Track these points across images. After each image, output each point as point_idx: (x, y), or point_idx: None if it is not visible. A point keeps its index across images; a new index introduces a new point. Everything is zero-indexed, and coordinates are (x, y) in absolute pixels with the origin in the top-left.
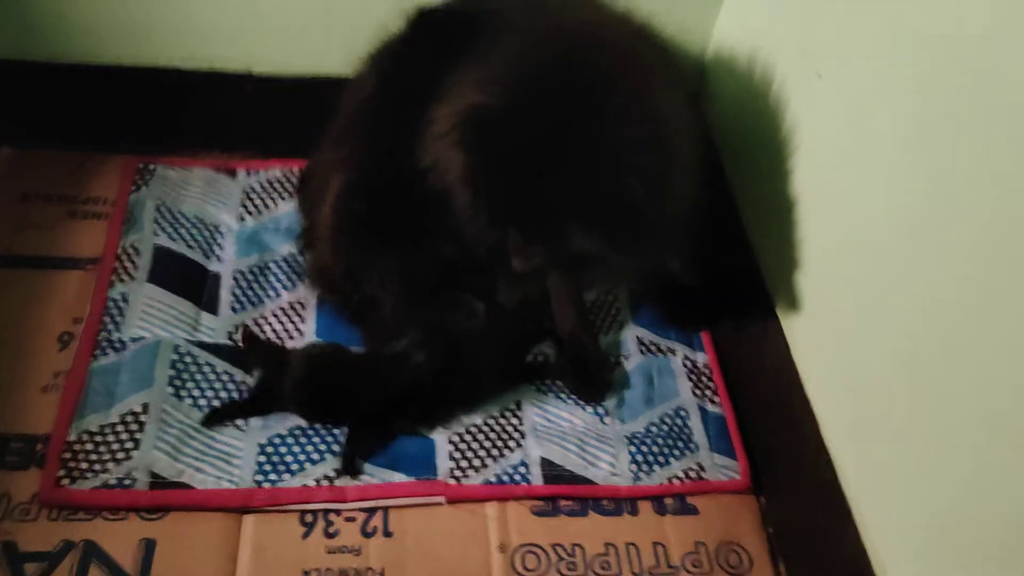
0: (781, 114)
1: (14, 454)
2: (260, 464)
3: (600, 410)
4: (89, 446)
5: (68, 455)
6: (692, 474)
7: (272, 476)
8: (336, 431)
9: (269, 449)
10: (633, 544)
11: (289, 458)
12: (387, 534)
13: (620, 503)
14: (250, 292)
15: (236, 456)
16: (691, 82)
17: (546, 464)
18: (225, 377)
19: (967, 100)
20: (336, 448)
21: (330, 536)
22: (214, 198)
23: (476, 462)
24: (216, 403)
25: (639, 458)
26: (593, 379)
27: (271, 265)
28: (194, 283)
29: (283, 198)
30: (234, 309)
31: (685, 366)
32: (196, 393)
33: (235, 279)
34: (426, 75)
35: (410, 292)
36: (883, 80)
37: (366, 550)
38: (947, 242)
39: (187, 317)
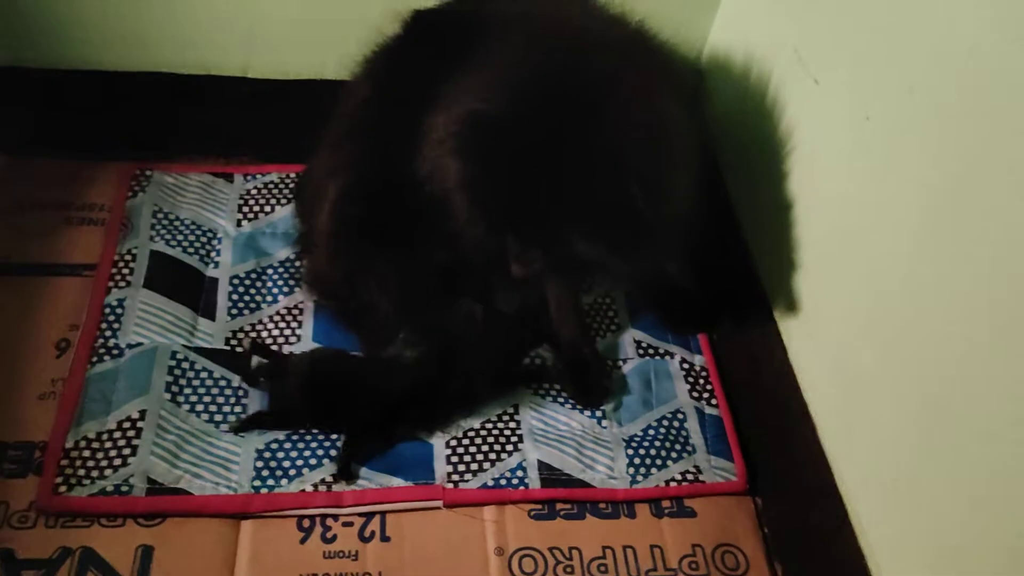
0: (778, 117)
1: (12, 461)
2: (258, 469)
3: (597, 413)
4: (87, 453)
5: (66, 462)
6: (689, 476)
7: (270, 481)
8: (334, 436)
9: (267, 454)
10: (630, 547)
11: (287, 463)
12: (385, 539)
13: (617, 506)
14: (247, 297)
15: (234, 462)
16: (688, 84)
17: (544, 467)
18: (223, 383)
19: (963, 103)
20: (333, 453)
21: (328, 541)
22: (211, 203)
23: (474, 466)
24: (214, 408)
25: (636, 461)
26: (591, 384)
27: (268, 270)
28: (191, 289)
29: (280, 203)
30: (231, 314)
31: (682, 369)
32: (194, 399)
33: (232, 284)
34: (422, 78)
35: (407, 297)
36: (879, 83)
37: (364, 555)
38: (945, 245)
39: (184, 323)
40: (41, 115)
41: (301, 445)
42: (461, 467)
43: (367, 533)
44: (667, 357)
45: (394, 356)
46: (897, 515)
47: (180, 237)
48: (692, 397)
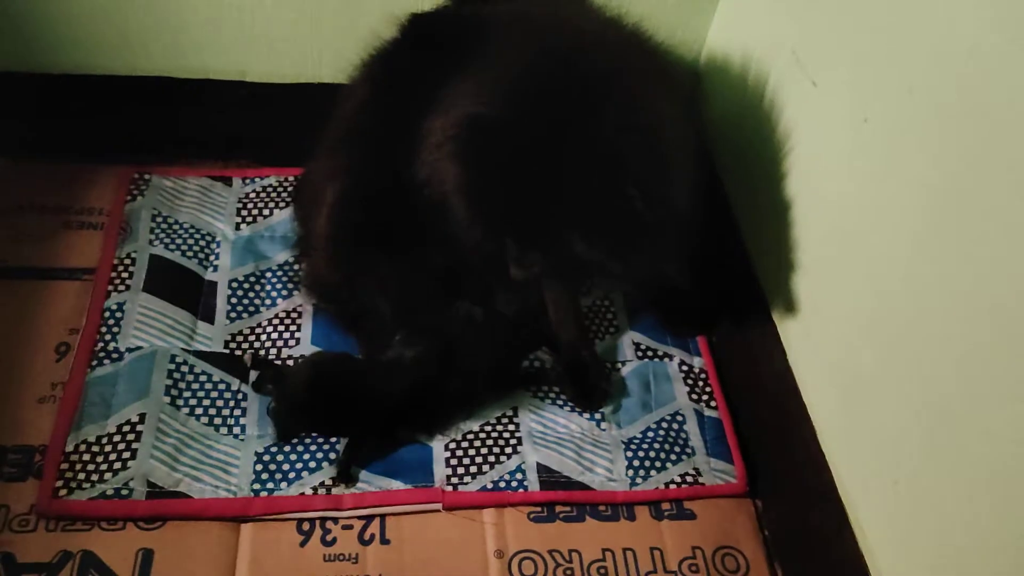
0: (776, 119)
1: (12, 465)
2: (257, 473)
3: (596, 415)
4: (86, 456)
5: (66, 466)
6: (689, 479)
7: (269, 485)
8: (333, 439)
9: (266, 458)
10: (630, 549)
11: (286, 466)
12: (384, 541)
13: (617, 508)
14: (246, 300)
15: (233, 465)
16: (686, 86)
17: (543, 470)
18: (222, 386)
19: (961, 104)
20: (333, 456)
21: (327, 544)
22: (210, 207)
23: (473, 469)
24: (213, 412)
25: (636, 463)
26: (590, 387)
27: (267, 273)
28: (190, 292)
29: (279, 206)
30: (230, 318)
31: (682, 371)
32: (193, 402)
33: (231, 288)
34: (420, 82)
35: (406, 300)
36: (878, 84)
37: (363, 558)
38: (945, 245)
39: (183, 326)
40: (40, 119)
41: (300, 448)
42: (460, 470)
43: (367, 536)
44: (666, 359)
45: (394, 358)
46: (898, 517)
47: (179, 241)
48: (691, 399)
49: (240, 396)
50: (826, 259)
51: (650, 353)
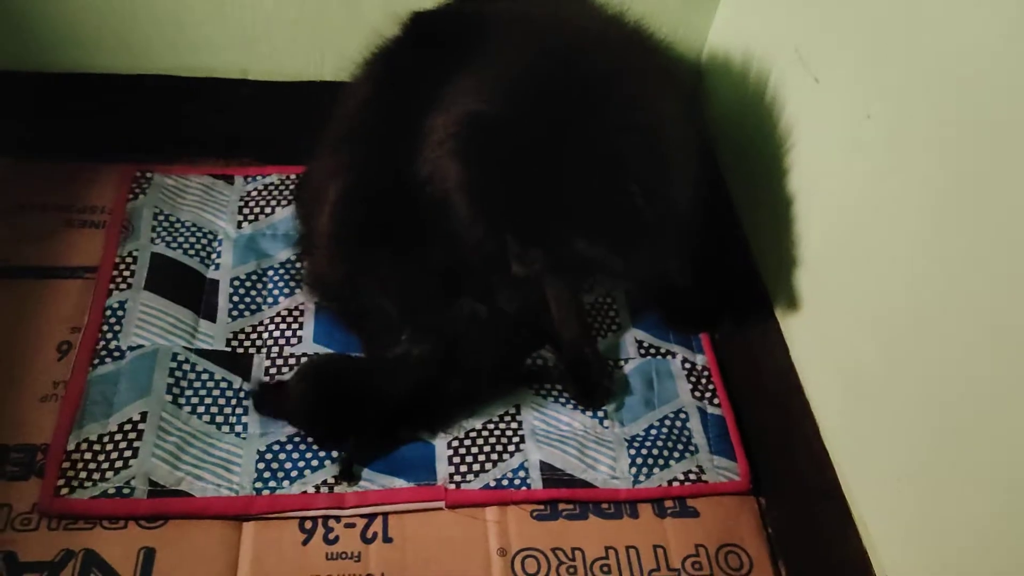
0: (778, 116)
1: (14, 464)
2: (259, 471)
3: (599, 413)
4: (88, 455)
5: (67, 464)
6: (692, 476)
7: (272, 483)
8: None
9: (268, 456)
10: (633, 547)
11: (288, 465)
12: (387, 540)
13: (620, 506)
14: (248, 299)
15: (235, 463)
16: (688, 83)
17: (546, 468)
18: (224, 384)
19: (964, 101)
20: (335, 454)
21: (330, 543)
22: (211, 205)
23: (476, 467)
24: (215, 410)
25: (639, 461)
26: (593, 385)
27: (269, 272)
28: (192, 290)
29: (280, 204)
30: (232, 316)
31: (684, 368)
32: (195, 400)
33: (233, 286)
34: (421, 80)
35: (409, 298)
36: (880, 81)
37: (366, 556)
38: (948, 242)
39: (185, 325)
40: (41, 118)
41: (303, 447)
42: (463, 468)
43: (369, 534)
44: (669, 357)
45: (396, 356)
46: (901, 514)
47: (181, 239)
48: (694, 397)
49: (242, 394)
50: (828, 256)
51: (653, 351)
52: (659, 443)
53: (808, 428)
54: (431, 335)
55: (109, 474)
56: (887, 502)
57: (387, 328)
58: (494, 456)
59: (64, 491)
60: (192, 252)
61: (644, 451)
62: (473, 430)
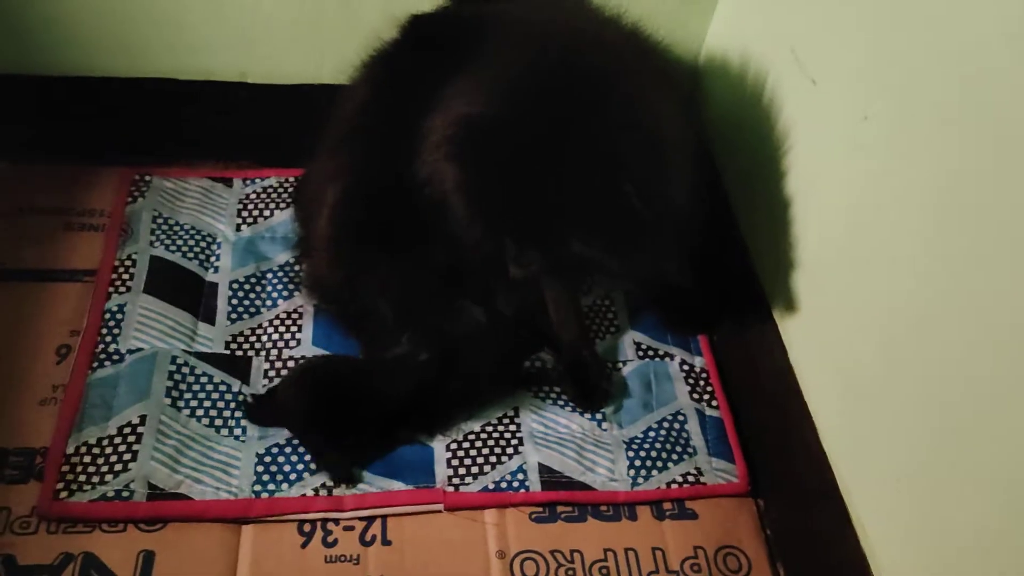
0: (775, 117)
1: (13, 468)
2: (258, 474)
3: (598, 415)
4: (87, 459)
5: (67, 468)
6: (691, 478)
7: (270, 486)
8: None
9: (267, 459)
10: (632, 549)
11: (287, 467)
12: (386, 542)
13: (619, 508)
14: (247, 302)
15: (234, 466)
16: (686, 85)
17: (544, 470)
18: (223, 387)
19: (962, 102)
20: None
21: (329, 545)
22: (210, 208)
23: (474, 469)
24: (214, 413)
25: (637, 463)
26: (592, 388)
27: (268, 274)
28: (191, 293)
29: (279, 207)
30: (231, 319)
31: (683, 370)
32: (194, 404)
33: (232, 289)
34: (419, 82)
35: (408, 300)
36: (877, 83)
37: (365, 559)
38: (945, 243)
39: (184, 328)
40: (41, 121)
41: (302, 449)
42: (462, 470)
43: (368, 537)
44: (667, 359)
45: (395, 357)
46: (900, 516)
47: (180, 242)
48: (692, 399)
49: (241, 397)
50: (826, 257)
51: (651, 353)
52: (657, 445)
53: (806, 430)
54: (430, 337)
55: (108, 477)
56: (886, 503)
57: (386, 330)
58: (493, 458)
59: (63, 494)
60: (191, 255)
61: (643, 453)
62: (472, 432)
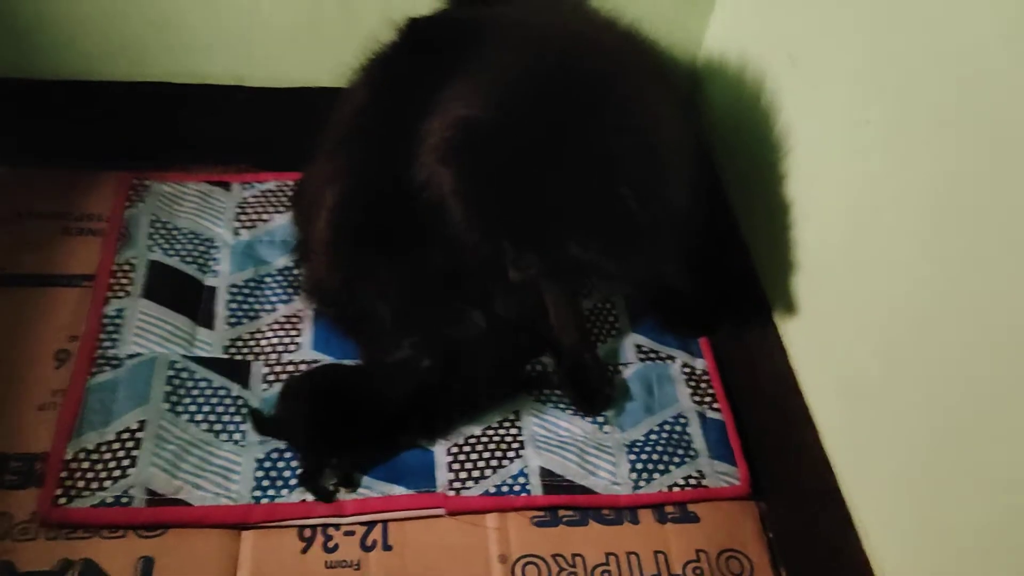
0: (774, 120)
1: (12, 473)
2: (258, 479)
3: (599, 419)
4: (86, 464)
5: (66, 473)
6: (692, 481)
7: (271, 491)
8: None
9: (267, 464)
10: (634, 553)
11: (287, 473)
12: (387, 547)
13: (620, 512)
14: (246, 306)
15: (234, 472)
16: (684, 88)
17: (546, 474)
18: (222, 392)
19: (960, 105)
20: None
21: (329, 551)
22: (209, 212)
23: (475, 473)
24: (213, 418)
25: (639, 466)
26: (593, 391)
27: (267, 278)
28: (190, 298)
29: (278, 211)
30: (230, 323)
31: (684, 373)
32: (193, 408)
33: (231, 293)
34: (418, 85)
35: (407, 303)
36: (876, 85)
37: (366, 564)
38: (946, 245)
39: (183, 332)
40: (39, 126)
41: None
42: (463, 474)
43: (369, 542)
44: (668, 361)
45: (395, 361)
46: (902, 518)
47: (178, 246)
48: (694, 401)
49: (240, 402)
50: (826, 259)
51: (652, 355)
52: (659, 448)
53: (807, 432)
54: (431, 342)
55: (108, 483)
56: (887, 505)
57: (385, 333)
58: (494, 462)
59: (63, 500)
60: (190, 259)
61: (644, 456)
62: (473, 436)
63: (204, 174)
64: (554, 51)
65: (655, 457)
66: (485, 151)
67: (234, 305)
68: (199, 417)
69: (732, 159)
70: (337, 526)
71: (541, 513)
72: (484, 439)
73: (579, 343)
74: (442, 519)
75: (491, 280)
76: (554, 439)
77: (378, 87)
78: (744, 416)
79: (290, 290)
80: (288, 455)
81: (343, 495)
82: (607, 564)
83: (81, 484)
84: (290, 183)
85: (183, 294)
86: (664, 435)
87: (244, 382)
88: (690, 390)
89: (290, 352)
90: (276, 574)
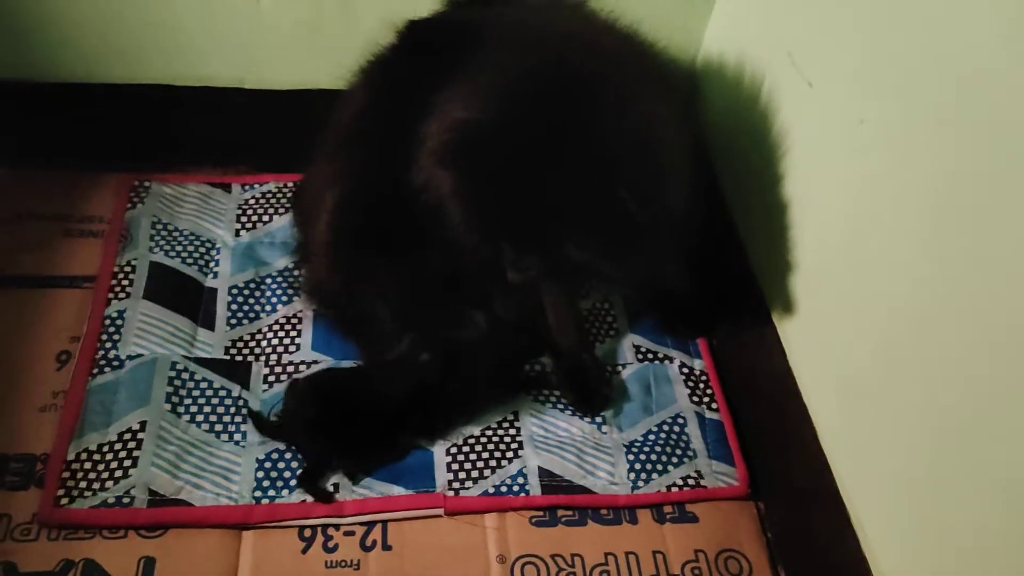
0: (773, 121)
1: (13, 474)
2: (259, 480)
3: (597, 419)
4: (88, 465)
5: (67, 474)
6: (691, 481)
7: (271, 492)
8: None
9: (267, 464)
10: (633, 553)
11: (287, 473)
12: (386, 547)
13: (619, 512)
14: (246, 307)
15: (234, 472)
16: (683, 89)
17: (544, 474)
18: (223, 392)
19: (958, 105)
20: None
21: (329, 551)
22: (209, 213)
23: (474, 473)
24: (214, 418)
25: (637, 466)
26: (591, 392)
27: (267, 279)
28: (190, 299)
29: (278, 212)
30: (231, 324)
31: (682, 373)
32: (194, 409)
33: (231, 294)
34: (417, 87)
35: (407, 305)
36: (874, 86)
37: (365, 564)
38: (943, 246)
39: (184, 333)
40: (39, 128)
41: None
42: (462, 475)
43: (369, 542)
44: (667, 361)
45: (396, 358)
46: (900, 518)
47: (179, 248)
48: (692, 401)
49: (241, 402)
50: (825, 260)
51: (650, 356)
52: (657, 448)
53: (806, 432)
54: (431, 341)
55: (109, 483)
56: (886, 505)
57: (385, 335)
58: (493, 463)
59: (64, 501)
60: (190, 261)
61: (643, 456)
62: (472, 437)
63: (204, 176)
64: (553, 53)
65: (653, 457)
66: (483, 153)
67: (235, 306)
68: (200, 418)
69: (730, 159)
70: (337, 526)
71: (540, 513)
72: (483, 439)
73: (578, 344)
74: (441, 519)
75: (490, 281)
76: (553, 439)
77: (378, 89)
78: (742, 416)
79: (290, 291)
80: (288, 455)
81: (343, 495)
82: (606, 564)
83: (82, 485)
84: (290, 185)
85: (184, 295)
86: (663, 435)
87: (245, 383)
88: (688, 390)
89: (290, 353)
90: (276, 574)
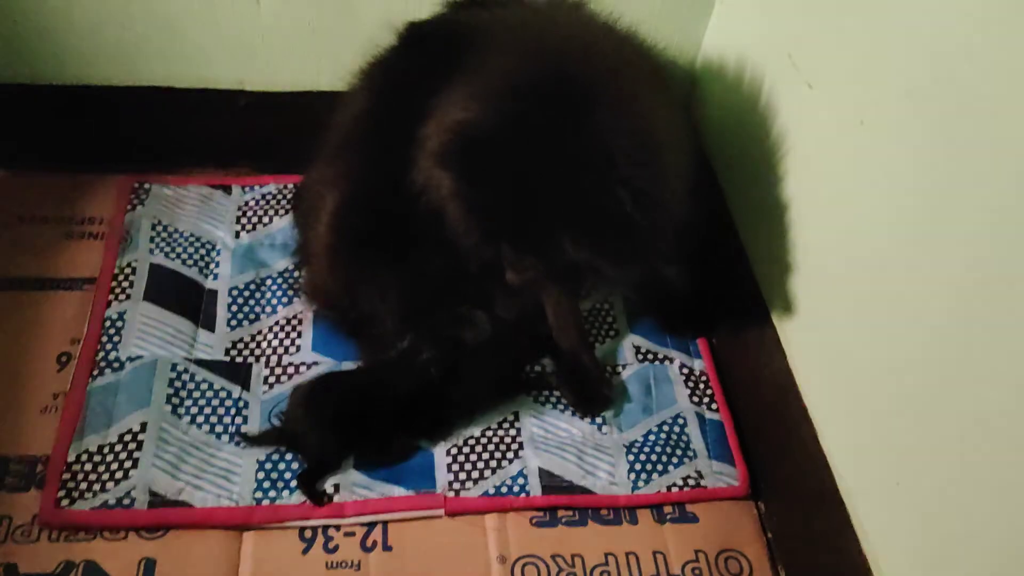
0: (772, 122)
1: (14, 476)
2: (259, 481)
3: (598, 419)
4: (88, 466)
5: (68, 476)
6: (691, 482)
7: (271, 493)
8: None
9: (268, 466)
10: (633, 553)
11: (288, 475)
12: (387, 548)
13: (619, 512)
14: (247, 308)
15: (235, 473)
16: (682, 90)
17: (545, 475)
18: (223, 394)
19: (957, 106)
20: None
21: (330, 551)
22: (209, 215)
23: (475, 474)
24: (214, 420)
25: (637, 467)
26: (592, 394)
27: (267, 281)
28: (191, 301)
29: (278, 214)
30: (231, 326)
31: (682, 373)
32: (194, 411)
33: (232, 296)
34: (417, 89)
35: (407, 306)
36: (874, 87)
37: (366, 565)
38: (941, 246)
39: (184, 335)
40: (39, 130)
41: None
42: (462, 475)
43: (369, 543)
44: (666, 362)
45: (397, 355)
46: (900, 519)
47: (179, 249)
48: (692, 402)
49: (241, 404)
50: (824, 261)
51: (650, 356)
52: (658, 449)
53: (806, 433)
54: (432, 342)
55: (109, 485)
56: (886, 506)
57: (385, 336)
58: (493, 463)
59: (64, 502)
60: (191, 262)
61: (643, 457)
62: (472, 437)
63: (205, 177)
64: (552, 54)
65: (654, 458)
66: (482, 154)
67: (235, 308)
68: (200, 419)
69: (730, 160)
70: (337, 527)
71: (540, 513)
72: (483, 440)
73: (578, 344)
74: (442, 520)
75: (490, 283)
76: (553, 440)
77: (378, 91)
78: (742, 416)
79: (291, 292)
80: (288, 456)
81: (343, 496)
82: (606, 564)
83: (83, 486)
84: (290, 186)
85: (184, 297)
86: (663, 436)
87: (245, 384)
88: (688, 391)
89: (290, 354)
90: (277, 575)
